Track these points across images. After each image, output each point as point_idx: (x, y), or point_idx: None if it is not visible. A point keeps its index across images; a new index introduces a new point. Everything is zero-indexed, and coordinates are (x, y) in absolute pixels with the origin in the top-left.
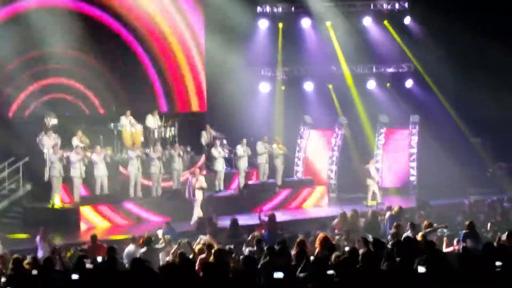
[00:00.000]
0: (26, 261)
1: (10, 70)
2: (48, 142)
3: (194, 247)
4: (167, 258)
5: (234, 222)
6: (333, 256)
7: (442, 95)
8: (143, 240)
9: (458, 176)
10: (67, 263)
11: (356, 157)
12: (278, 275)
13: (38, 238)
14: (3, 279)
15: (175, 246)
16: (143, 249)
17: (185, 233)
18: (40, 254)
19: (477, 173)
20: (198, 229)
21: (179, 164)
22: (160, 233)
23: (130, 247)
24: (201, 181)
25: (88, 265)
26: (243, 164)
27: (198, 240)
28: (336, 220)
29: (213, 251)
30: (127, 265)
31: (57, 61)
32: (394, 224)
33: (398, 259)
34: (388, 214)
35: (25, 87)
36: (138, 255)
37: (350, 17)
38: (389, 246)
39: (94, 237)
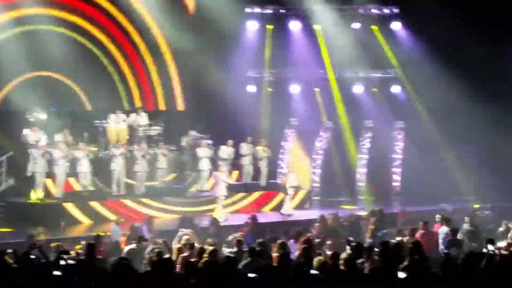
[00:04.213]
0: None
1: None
2: (32, 137)
3: (174, 245)
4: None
5: (214, 222)
6: (315, 260)
7: (424, 102)
8: (131, 237)
9: (440, 183)
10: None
11: (337, 162)
12: (252, 275)
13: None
14: None
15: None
16: (132, 247)
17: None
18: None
19: (460, 180)
20: (180, 228)
21: (164, 163)
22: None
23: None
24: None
25: (70, 261)
26: (226, 165)
27: (178, 238)
28: (316, 224)
29: (197, 250)
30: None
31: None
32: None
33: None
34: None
35: (13, 78)
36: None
37: (339, 20)
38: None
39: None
